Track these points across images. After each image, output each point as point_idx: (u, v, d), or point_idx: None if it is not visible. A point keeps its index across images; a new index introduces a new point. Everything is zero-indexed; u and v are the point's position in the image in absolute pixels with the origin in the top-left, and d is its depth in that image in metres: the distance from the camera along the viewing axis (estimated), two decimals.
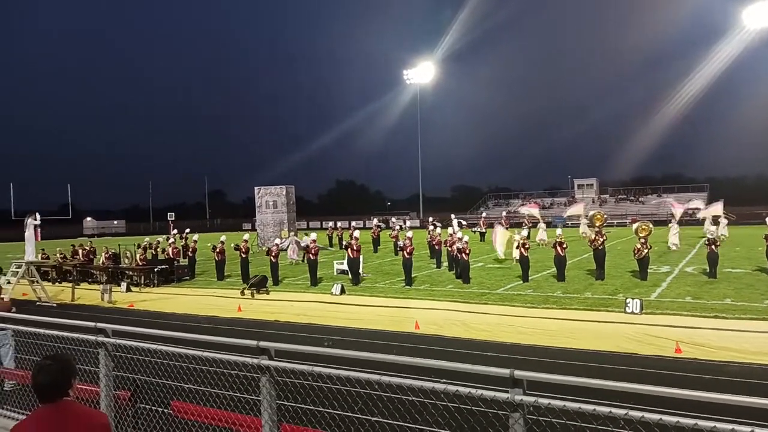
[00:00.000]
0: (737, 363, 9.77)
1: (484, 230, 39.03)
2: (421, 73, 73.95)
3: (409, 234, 22.18)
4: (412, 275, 20.31)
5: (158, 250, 26.85)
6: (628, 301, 14.13)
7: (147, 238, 29.85)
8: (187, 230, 32.64)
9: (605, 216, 27.06)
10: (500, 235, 25.64)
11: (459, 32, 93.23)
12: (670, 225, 29.88)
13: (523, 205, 70.84)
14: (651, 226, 21.57)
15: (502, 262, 24.65)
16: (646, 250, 18.79)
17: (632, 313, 13.69)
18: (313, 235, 23.16)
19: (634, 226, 21.69)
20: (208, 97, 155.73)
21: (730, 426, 2.65)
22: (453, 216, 40.48)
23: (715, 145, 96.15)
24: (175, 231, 30.94)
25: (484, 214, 47.71)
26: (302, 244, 30.46)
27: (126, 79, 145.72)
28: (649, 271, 19.22)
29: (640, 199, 69.42)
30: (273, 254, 21.73)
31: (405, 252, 20.33)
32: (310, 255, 21.42)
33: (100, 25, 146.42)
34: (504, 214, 42.88)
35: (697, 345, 10.87)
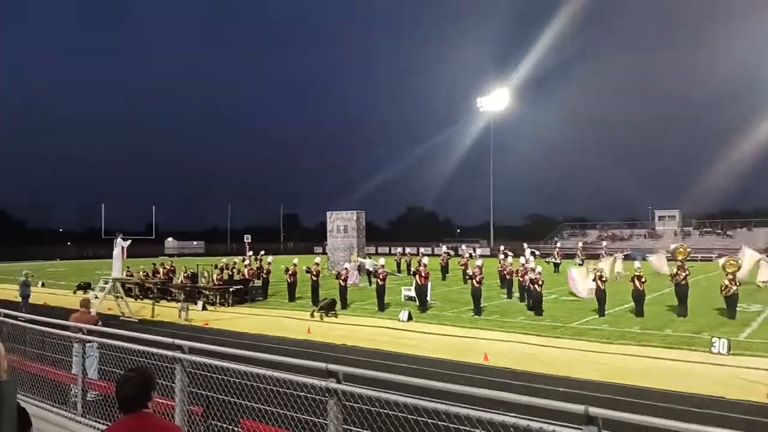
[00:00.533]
0: None
1: (558, 261, 38.01)
2: (495, 101, 73.62)
3: (479, 262, 21.85)
4: (482, 305, 19.96)
5: (234, 270, 27.75)
6: (714, 340, 13.27)
7: (224, 259, 30.95)
8: (262, 252, 33.69)
9: (689, 249, 25.63)
10: (578, 275, 24.36)
11: (534, 60, 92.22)
12: (760, 260, 27.94)
13: (601, 237, 68.47)
14: (740, 261, 20.13)
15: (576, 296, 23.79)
16: (734, 287, 17.64)
17: (718, 353, 12.84)
18: (382, 260, 23.36)
19: (721, 261, 20.38)
20: (285, 122, 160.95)
21: None
22: (525, 245, 39.67)
23: None
24: (251, 253, 32.00)
25: (558, 244, 46.46)
26: (369, 268, 30.75)
27: (210, 104, 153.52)
28: (739, 309, 18.02)
29: (727, 233, 65.41)
30: (342, 278, 22.02)
31: (474, 281, 20.05)
32: (379, 280, 21.54)
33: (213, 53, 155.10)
34: (580, 245, 41.54)
35: None
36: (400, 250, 41.93)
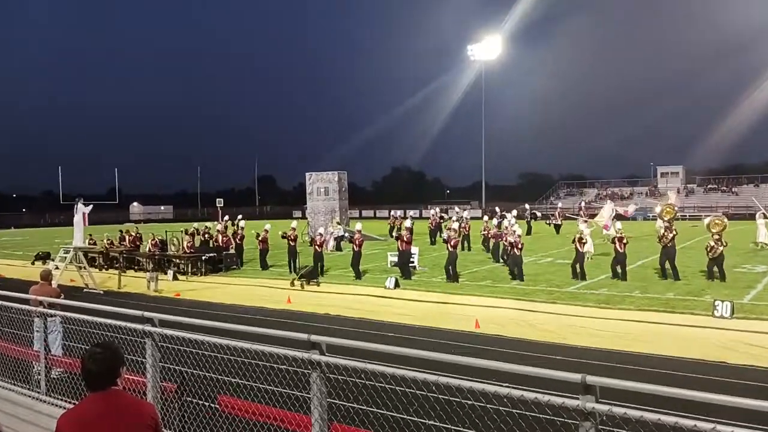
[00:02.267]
0: None
1: (559, 222, 38.27)
2: (487, 50, 72.83)
3: (455, 225, 22.03)
4: (458, 270, 20.05)
5: (206, 236, 27.61)
6: (717, 303, 13.59)
7: (195, 224, 30.78)
8: (239, 217, 33.51)
9: (676, 208, 25.91)
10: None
11: (530, 4, 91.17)
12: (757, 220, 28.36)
13: (600, 196, 69.10)
14: (726, 220, 20.37)
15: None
16: (721, 248, 18.01)
17: (721, 317, 13.17)
18: (359, 225, 23.52)
19: (706, 221, 20.64)
20: (260, 76, 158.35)
21: None
22: (527, 206, 40.29)
23: None
24: (227, 217, 31.91)
25: (560, 205, 46.74)
26: (340, 233, 30.98)
27: (172, 63, 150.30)
28: (742, 270, 18.40)
29: (733, 189, 66.29)
30: (318, 243, 22.09)
31: (449, 245, 20.05)
32: (355, 246, 21.70)
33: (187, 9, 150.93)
34: (583, 204, 41.73)
35: None
36: (396, 212, 42.11)
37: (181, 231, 27.58)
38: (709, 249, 18.27)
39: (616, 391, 3.15)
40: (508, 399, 3.39)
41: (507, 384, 3.56)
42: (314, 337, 4.19)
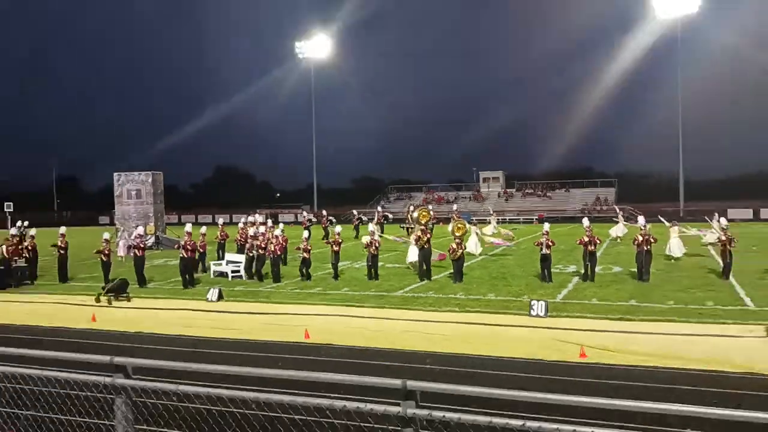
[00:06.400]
0: (641, 367, 10.59)
1: (412, 225, 39.63)
2: (316, 47, 73.53)
3: (252, 231, 22.62)
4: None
5: None
6: (533, 303, 14.92)
7: None
8: (25, 224, 30.29)
9: (432, 212, 29.10)
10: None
11: (360, 3, 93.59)
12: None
13: (427, 200, 72.85)
14: (467, 225, 23.00)
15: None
16: (460, 251, 20.08)
17: (537, 316, 14.48)
18: (140, 229, 23.10)
19: (450, 226, 23.12)
20: (59, 69, 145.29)
21: None
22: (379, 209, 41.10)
23: (625, 139, 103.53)
24: (19, 224, 28.93)
25: (379, 208, 48.25)
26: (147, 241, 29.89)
27: None
28: (554, 271, 20.45)
29: (547, 194, 73.45)
30: (104, 252, 21.06)
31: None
32: (137, 252, 21.43)
33: None
34: (411, 208, 43.49)
35: (601, 349, 11.68)
36: (220, 220, 40.70)
37: None
38: (450, 251, 20.12)
39: (438, 395, 3.33)
40: (332, 411, 3.44)
41: (334, 395, 3.61)
42: (118, 359, 3.92)
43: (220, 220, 30.85)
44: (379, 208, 44.41)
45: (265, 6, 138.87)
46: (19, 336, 13.88)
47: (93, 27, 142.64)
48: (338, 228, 23.15)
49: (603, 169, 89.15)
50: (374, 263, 21.22)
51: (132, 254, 23.29)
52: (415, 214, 25.35)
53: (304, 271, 21.34)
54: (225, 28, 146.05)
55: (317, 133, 77.19)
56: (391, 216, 45.48)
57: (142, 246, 21.75)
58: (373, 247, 21.12)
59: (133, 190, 37.13)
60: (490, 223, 36.18)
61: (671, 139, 65.00)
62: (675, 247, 23.88)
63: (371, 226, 24.64)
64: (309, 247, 21.46)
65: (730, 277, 18.97)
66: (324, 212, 43.37)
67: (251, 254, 22.12)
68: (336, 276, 21.39)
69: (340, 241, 21.94)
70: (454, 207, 43.85)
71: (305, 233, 23.90)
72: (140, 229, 23.14)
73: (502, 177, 79.13)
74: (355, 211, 44.65)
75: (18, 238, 25.17)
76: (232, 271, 22.65)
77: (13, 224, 29.45)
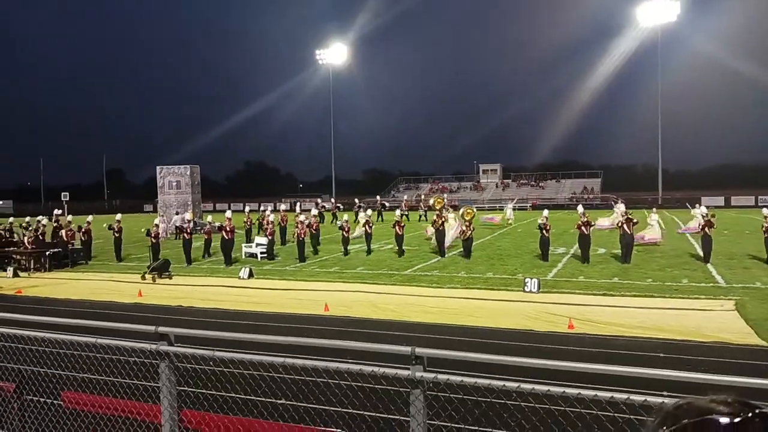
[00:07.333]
0: (623, 337, 10.57)
1: (405, 212, 39.93)
2: (334, 54, 73.40)
3: (302, 218, 22.76)
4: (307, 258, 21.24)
5: (37, 232, 24.61)
6: (526, 280, 14.89)
7: (27, 219, 27.58)
8: (58, 212, 30.51)
9: (444, 199, 29.62)
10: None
11: (372, 14, 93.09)
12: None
13: (432, 190, 72.58)
14: (474, 209, 23.67)
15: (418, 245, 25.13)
16: (469, 232, 20.85)
17: (530, 291, 14.45)
18: (188, 215, 23.53)
19: (461, 210, 23.39)
20: (107, 68, 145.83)
21: (609, 394, 2.89)
22: (378, 198, 41.40)
23: (610, 135, 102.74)
24: (58, 211, 29.28)
25: (405, 197, 48.37)
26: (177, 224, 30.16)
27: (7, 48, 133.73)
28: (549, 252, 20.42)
29: (540, 184, 72.98)
30: (153, 235, 21.32)
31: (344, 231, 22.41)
32: (185, 235, 21.81)
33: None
34: (423, 196, 43.86)
35: (587, 321, 11.65)
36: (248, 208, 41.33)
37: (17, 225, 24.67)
38: (461, 233, 21.04)
39: (442, 360, 3.34)
40: (349, 373, 3.46)
41: (350, 360, 3.63)
42: (162, 329, 3.96)
43: (247, 208, 30.93)
44: (378, 198, 44.94)
45: (288, 19, 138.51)
46: (74, 309, 14.05)
47: (145, 36, 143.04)
48: (345, 216, 24.27)
49: (590, 162, 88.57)
50: (399, 242, 22.18)
51: (175, 237, 23.74)
52: (431, 201, 25.64)
53: (345, 248, 22.60)
54: (254, 40, 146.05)
55: (335, 130, 77.15)
56: (387, 204, 46.11)
57: (189, 230, 22.08)
58: (399, 227, 22.16)
59: (174, 181, 37.31)
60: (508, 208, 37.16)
61: (651, 135, 64.29)
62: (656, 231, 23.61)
63: (361, 214, 26.39)
64: (348, 227, 22.63)
65: (702, 255, 18.80)
66: (332, 200, 45.25)
67: (271, 237, 22.62)
68: (369, 251, 22.65)
69: (371, 223, 23.24)
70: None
71: (344, 216, 25.72)
72: (187, 215, 23.43)
73: (500, 169, 78.74)
74: (357, 200, 45.25)
75: (55, 226, 25.35)
76: (261, 253, 22.76)
77: (70, 213, 29.64)
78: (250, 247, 23.74)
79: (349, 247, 22.74)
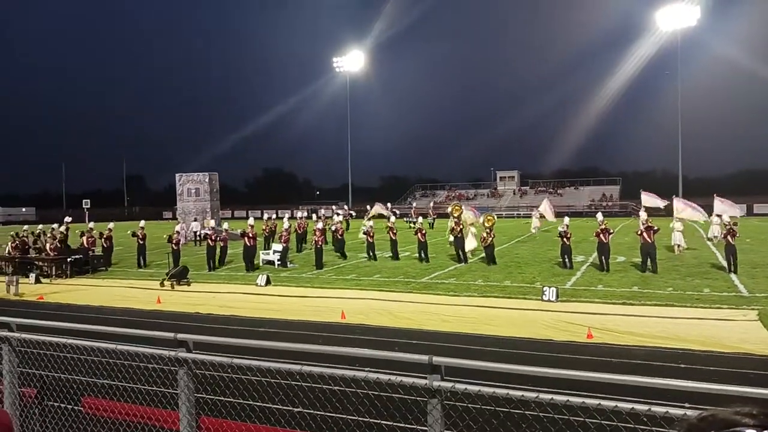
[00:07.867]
0: (643, 347, 10.41)
1: (415, 219, 39.85)
2: (351, 61, 73.74)
3: (319, 225, 23.03)
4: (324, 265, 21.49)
5: (50, 240, 24.79)
6: (545, 289, 14.75)
7: (40, 226, 28.03)
8: (68, 219, 30.86)
9: (462, 207, 29.23)
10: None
11: (388, 21, 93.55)
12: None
13: (449, 197, 72.34)
14: (495, 217, 23.57)
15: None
16: (490, 239, 21.03)
17: (549, 300, 14.31)
18: (213, 222, 24.07)
19: (481, 218, 23.24)
20: (128, 74, 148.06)
21: (629, 405, 2.85)
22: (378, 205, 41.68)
23: (629, 141, 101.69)
24: (91, 224, 29.61)
25: (414, 204, 48.39)
26: (204, 231, 30.53)
27: (26, 60, 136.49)
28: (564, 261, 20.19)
29: (558, 191, 72.42)
30: (174, 242, 21.67)
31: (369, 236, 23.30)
32: (209, 241, 22.37)
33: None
34: (432, 204, 43.73)
35: (606, 330, 11.50)
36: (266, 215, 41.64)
37: (33, 233, 25.09)
38: (482, 239, 21.25)
39: (460, 369, 3.32)
40: (366, 382, 3.45)
41: (366, 368, 3.62)
42: (181, 336, 3.99)
43: (266, 215, 31.17)
44: (388, 204, 45.08)
45: (306, 26, 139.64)
46: (95, 315, 14.22)
47: (166, 45, 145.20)
48: (370, 222, 24.54)
49: (608, 169, 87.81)
50: (424, 249, 22.45)
51: (195, 244, 24.14)
52: (449, 209, 25.69)
53: (370, 253, 23.28)
54: (272, 48, 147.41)
55: (351, 137, 77.38)
56: (397, 212, 46.38)
57: (213, 237, 22.45)
58: (421, 234, 22.47)
59: (193, 188, 37.68)
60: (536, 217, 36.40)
61: (671, 141, 63.45)
62: (679, 238, 23.31)
63: (366, 220, 27.64)
64: (373, 232, 23.64)
65: (725, 265, 18.46)
66: (346, 207, 46.16)
67: (286, 245, 23.16)
68: (396, 256, 23.12)
69: (395, 230, 23.61)
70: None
71: (369, 222, 26.56)
72: (212, 222, 23.93)
73: (517, 176, 78.32)
74: (369, 207, 45.62)
75: (63, 234, 25.56)
76: (278, 260, 22.87)
77: (91, 219, 30.04)
78: (268, 254, 23.87)
79: (373, 252, 23.30)
